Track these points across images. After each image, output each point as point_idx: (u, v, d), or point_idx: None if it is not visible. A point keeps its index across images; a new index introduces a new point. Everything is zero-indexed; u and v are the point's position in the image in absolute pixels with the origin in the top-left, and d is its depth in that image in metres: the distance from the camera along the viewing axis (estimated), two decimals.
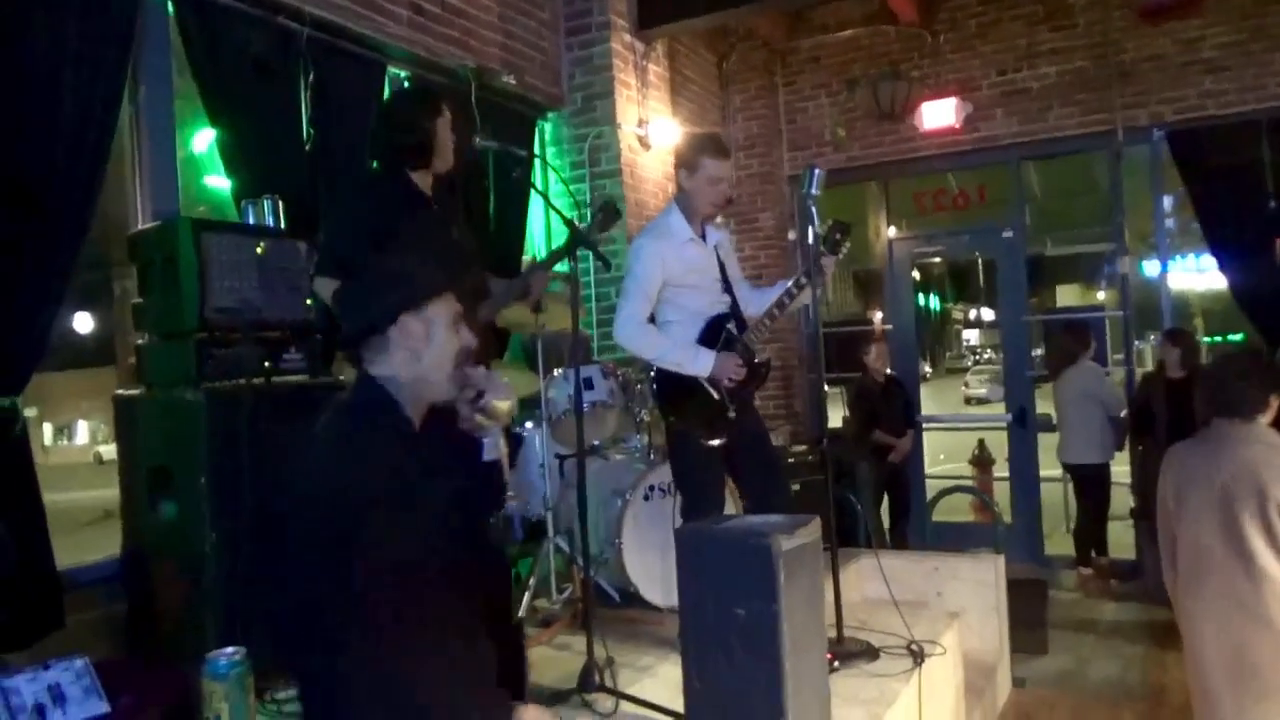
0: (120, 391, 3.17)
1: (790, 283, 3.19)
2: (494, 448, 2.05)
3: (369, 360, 1.84)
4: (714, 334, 3.21)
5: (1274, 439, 2.76)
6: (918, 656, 2.96)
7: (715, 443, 3.17)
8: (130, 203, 3.44)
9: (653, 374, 3.25)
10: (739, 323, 3.25)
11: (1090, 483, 6.12)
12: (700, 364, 3.12)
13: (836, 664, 2.79)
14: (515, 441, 2.31)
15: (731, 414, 3.18)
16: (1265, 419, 2.77)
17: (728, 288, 3.30)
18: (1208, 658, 2.73)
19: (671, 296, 3.20)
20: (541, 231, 5.38)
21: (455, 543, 1.86)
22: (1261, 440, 2.74)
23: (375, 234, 2.91)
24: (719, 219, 3.45)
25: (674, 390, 3.19)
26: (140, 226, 3.34)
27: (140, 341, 3.13)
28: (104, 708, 2.00)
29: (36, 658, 2.52)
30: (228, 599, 2.75)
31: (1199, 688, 2.79)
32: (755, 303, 3.33)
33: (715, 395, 3.16)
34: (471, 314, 3.04)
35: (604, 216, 2.98)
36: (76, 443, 27.16)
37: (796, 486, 4.62)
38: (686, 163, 3.23)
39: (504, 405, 1.98)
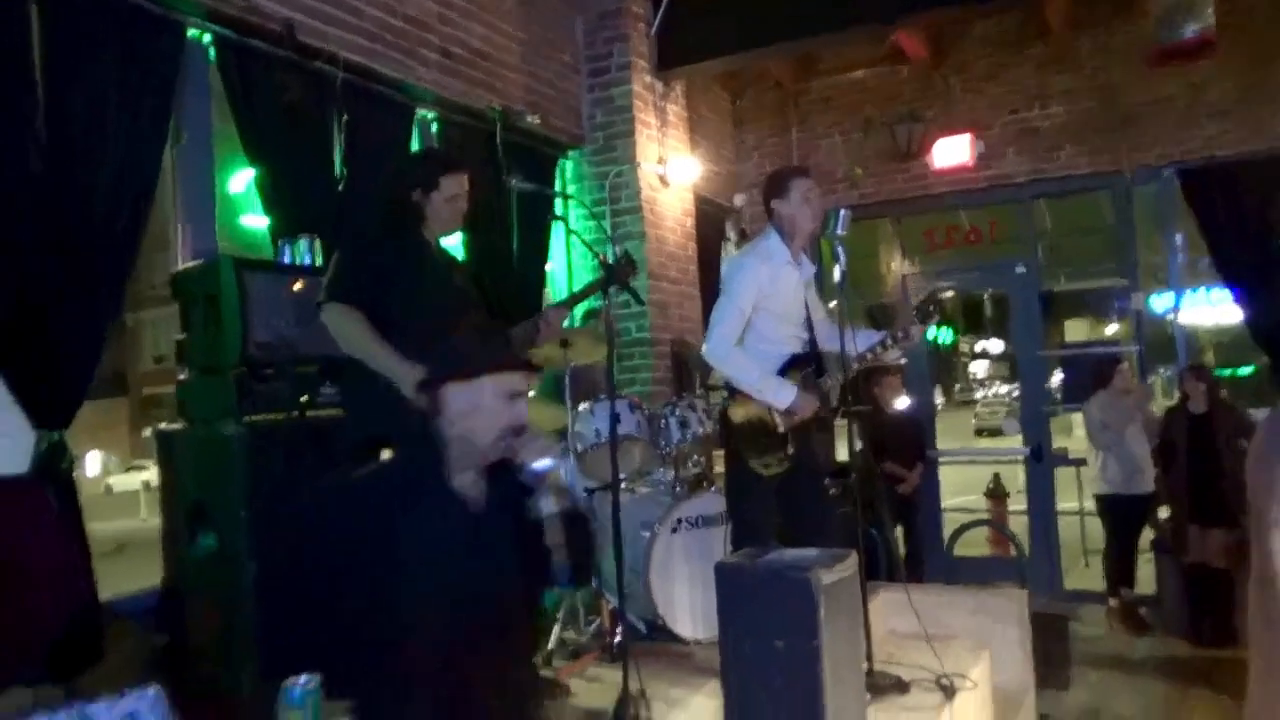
0: (163, 426, 3.24)
1: (878, 339, 3.32)
2: (540, 506, 1.99)
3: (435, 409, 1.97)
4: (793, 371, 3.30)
5: None
6: (948, 690, 2.97)
7: (769, 472, 3.25)
8: (171, 242, 3.53)
9: (725, 396, 3.35)
10: (817, 365, 3.34)
11: (1117, 515, 6.06)
12: (782, 397, 3.20)
13: (868, 697, 2.81)
14: (579, 521, 2.08)
15: (790, 449, 3.25)
16: None
17: (809, 323, 3.38)
18: None
19: (756, 323, 3.26)
20: (563, 268, 5.46)
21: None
22: None
23: (384, 276, 2.85)
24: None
25: (741, 417, 3.28)
26: (181, 265, 3.42)
27: (181, 377, 3.19)
28: None
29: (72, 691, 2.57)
30: (267, 631, 2.79)
31: None
32: (832, 341, 3.35)
33: (780, 429, 3.23)
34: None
35: (621, 269, 3.06)
36: (87, 474, 27.21)
37: None
38: (776, 191, 3.34)
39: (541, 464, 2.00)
